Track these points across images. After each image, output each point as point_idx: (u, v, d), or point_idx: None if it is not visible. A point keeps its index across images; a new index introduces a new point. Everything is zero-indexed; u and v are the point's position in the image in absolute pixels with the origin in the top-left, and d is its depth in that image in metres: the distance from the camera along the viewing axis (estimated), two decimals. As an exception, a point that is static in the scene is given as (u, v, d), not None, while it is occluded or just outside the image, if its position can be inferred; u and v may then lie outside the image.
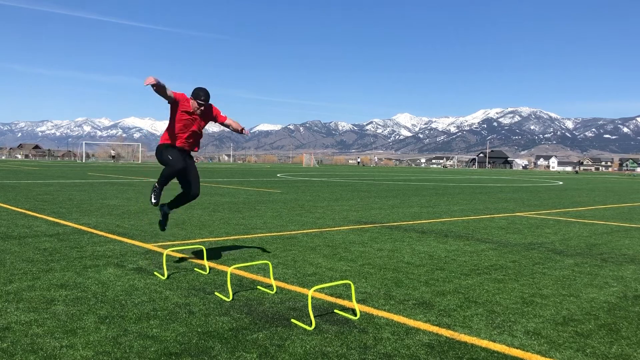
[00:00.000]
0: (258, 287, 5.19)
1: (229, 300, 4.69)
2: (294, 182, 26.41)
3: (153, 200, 5.96)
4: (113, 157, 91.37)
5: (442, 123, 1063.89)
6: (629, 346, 3.83)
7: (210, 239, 7.83)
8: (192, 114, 5.81)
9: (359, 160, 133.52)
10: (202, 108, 5.76)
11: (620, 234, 9.71)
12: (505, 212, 13.09)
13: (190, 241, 7.63)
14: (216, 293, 4.91)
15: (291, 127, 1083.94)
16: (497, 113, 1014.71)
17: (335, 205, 13.71)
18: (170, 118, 5.90)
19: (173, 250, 6.71)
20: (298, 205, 13.65)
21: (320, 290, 5.04)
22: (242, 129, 6.17)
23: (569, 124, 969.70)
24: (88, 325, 3.92)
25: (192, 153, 6.30)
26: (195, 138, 6.04)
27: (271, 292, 5.00)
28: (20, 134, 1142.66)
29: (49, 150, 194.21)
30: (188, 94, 5.87)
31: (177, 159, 5.81)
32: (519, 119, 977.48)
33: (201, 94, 5.72)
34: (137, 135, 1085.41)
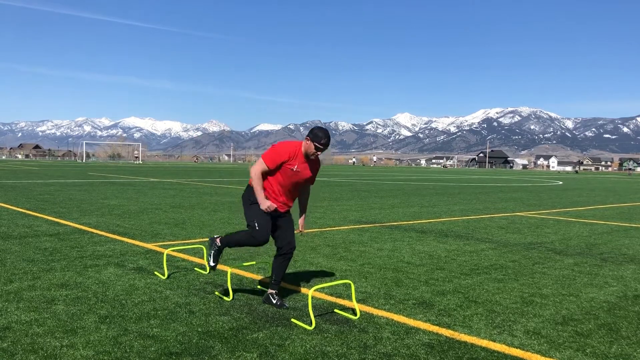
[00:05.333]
0: (258, 286, 5.19)
1: (229, 300, 4.69)
2: (294, 182, 26.40)
3: (211, 263, 4.61)
4: (136, 157, 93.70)
5: (442, 123, 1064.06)
6: (628, 346, 3.83)
7: (211, 239, 7.82)
8: (302, 162, 4.51)
9: (354, 160, 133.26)
10: (319, 153, 4.50)
11: (620, 233, 9.71)
12: (505, 212, 13.10)
13: (190, 241, 7.63)
14: (216, 293, 4.91)
15: (291, 127, 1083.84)
16: (497, 113, 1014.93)
17: (335, 205, 13.71)
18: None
19: (173, 250, 6.71)
20: (298, 205, 13.65)
21: (320, 290, 5.04)
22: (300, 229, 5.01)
23: (569, 124, 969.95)
24: (88, 325, 3.92)
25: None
26: (294, 195, 4.73)
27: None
28: (20, 134, 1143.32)
29: (49, 150, 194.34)
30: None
31: (263, 229, 4.47)
32: (519, 118, 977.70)
33: (322, 137, 4.38)
34: (137, 135, 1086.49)
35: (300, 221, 4.93)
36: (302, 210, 4.89)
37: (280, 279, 4.69)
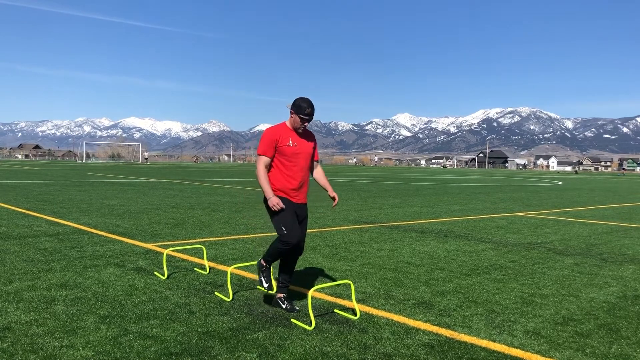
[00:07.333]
0: (258, 287, 5.19)
1: (229, 300, 4.69)
2: (293, 182, 26.38)
3: (265, 285, 4.50)
4: (146, 159, 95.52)
5: (442, 123, 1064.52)
6: (628, 346, 3.83)
7: (210, 239, 7.83)
8: (295, 136, 4.41)
9: (354, 160, 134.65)
10: (306, 125, 4.40)
11: (620, 233, 9.72)
12: (505, 212, 13.09)
13: (190, 241, 7.63)
14: (216, 293, 4.91)
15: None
16: (496, 113, 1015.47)
17: (335, 205, 13.71)
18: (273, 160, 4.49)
19: (173, 250, 6.71)
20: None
21: (320, 290, 5.04)
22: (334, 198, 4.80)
23: (569, 124, 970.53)
24: (88, 325, 3.92)
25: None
26: (305, 178, 4.55)
27: (271, 292, 5.00)
28: (20, 134, 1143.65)
29: (49, 150, 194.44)
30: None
31: (292, 231, 4.36)
32: (519, 119, 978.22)
33: (306, 107, 4.28)
34: (137, 135, 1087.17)
35: (334, 195, 4.79)
36: (327, 186, 4.78)
37: (287, 281, 4.63)
